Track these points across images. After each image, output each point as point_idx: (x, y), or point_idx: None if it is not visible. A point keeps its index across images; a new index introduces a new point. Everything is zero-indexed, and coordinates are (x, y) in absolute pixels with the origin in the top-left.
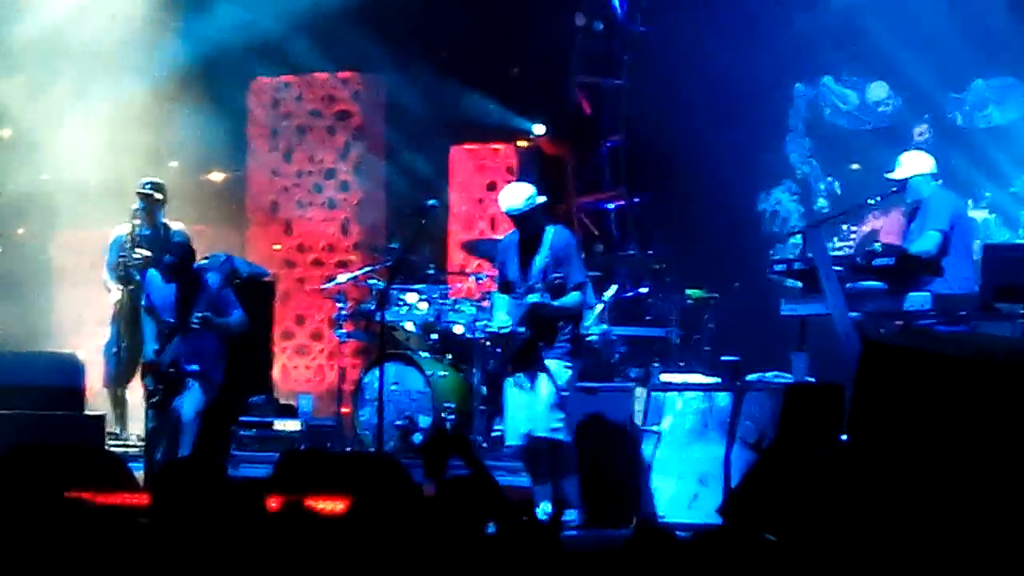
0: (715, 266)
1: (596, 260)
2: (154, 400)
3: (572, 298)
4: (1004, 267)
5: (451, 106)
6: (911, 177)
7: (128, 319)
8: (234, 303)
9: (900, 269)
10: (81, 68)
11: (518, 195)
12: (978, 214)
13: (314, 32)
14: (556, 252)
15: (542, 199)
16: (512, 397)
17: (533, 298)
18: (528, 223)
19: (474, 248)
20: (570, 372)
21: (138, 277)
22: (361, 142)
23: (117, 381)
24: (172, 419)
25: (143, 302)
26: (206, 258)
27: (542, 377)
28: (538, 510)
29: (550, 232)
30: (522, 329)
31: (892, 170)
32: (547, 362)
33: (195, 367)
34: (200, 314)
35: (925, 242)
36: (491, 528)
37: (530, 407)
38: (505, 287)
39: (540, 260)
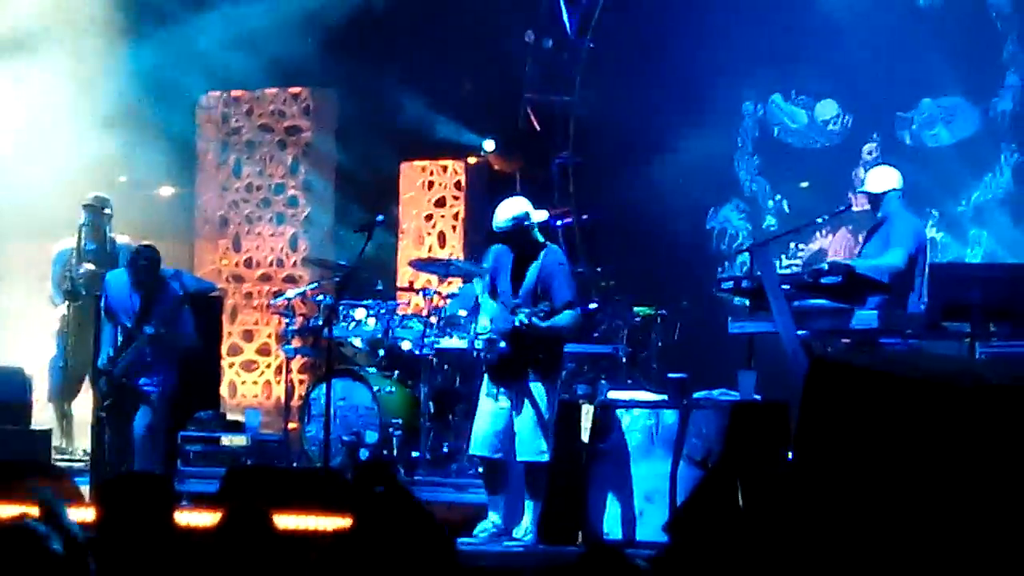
0: (663, 283)
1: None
2: (105, 404)
3: (562, 318)
4: (951, 286)
5: (401, 122)
6: (886, 192)
7: (74, 333)
8: (187, 320)
9: (847, 287)
10: (28, 79)
11: (505, 211)
12: (926, 233)
13: (264, 47)
14: (545, 272)
15: (539, 216)
16: (486, 409)
17: (520, 319)
18: (515, 240)
19: (423, 267)
20: (553, 394)
21: (84, 293)
22: (310, 157)
23: (62, 395)
24: (122, 433)
25: (102, 304)
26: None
27: (526, 399)
28: (484, 523)
29: (542, 253)
30: (503, 344)
31: (861, 186)
32: (532, 384)
33: (147, 383)
34: (151, 329)
35: (893, 257)
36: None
37: (509, 427)
38: (494, 293)
39: (529, 279)
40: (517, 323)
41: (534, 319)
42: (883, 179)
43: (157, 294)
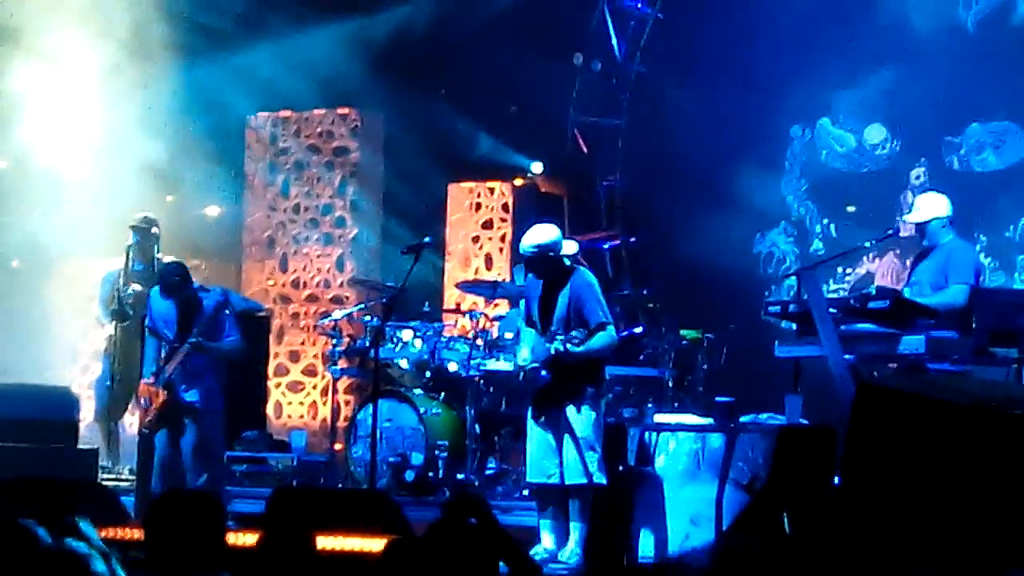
0: (710, 307)
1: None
2: (148, 421)
3: (596, 340)
4: (998, 312)
5: (449, 143)
6: (930, 221)
7: (121, 353)
8: (231, 328)
9: (895, 312)
10: (78, 103)
11: (532, 237)
12: None
13: (312, 68)
14: (574, 295)
15: (569, 248)
16: (535, 437)
17: (556, 346)
18: (539, 266)
19: (469, 289)
20: (595, 415)
21: (132, 313)
22: (358, 178)
23: (109, 415)
24: (167, 450)
25: (147, 322)
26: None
27: (567, 425)
28: (537, 547)
29: (571, 277)
30: (545, 373)
31: (908, 212)
32: (570, 408)
33: (193, 397)
34: (193, 338)
35: (956, 295)
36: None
37: (556, 453)
38: (531, 321)
39: (561, 305)
40: (552, 351)
41: (569, 346)
42: (932, 206)
43: (195, 305)
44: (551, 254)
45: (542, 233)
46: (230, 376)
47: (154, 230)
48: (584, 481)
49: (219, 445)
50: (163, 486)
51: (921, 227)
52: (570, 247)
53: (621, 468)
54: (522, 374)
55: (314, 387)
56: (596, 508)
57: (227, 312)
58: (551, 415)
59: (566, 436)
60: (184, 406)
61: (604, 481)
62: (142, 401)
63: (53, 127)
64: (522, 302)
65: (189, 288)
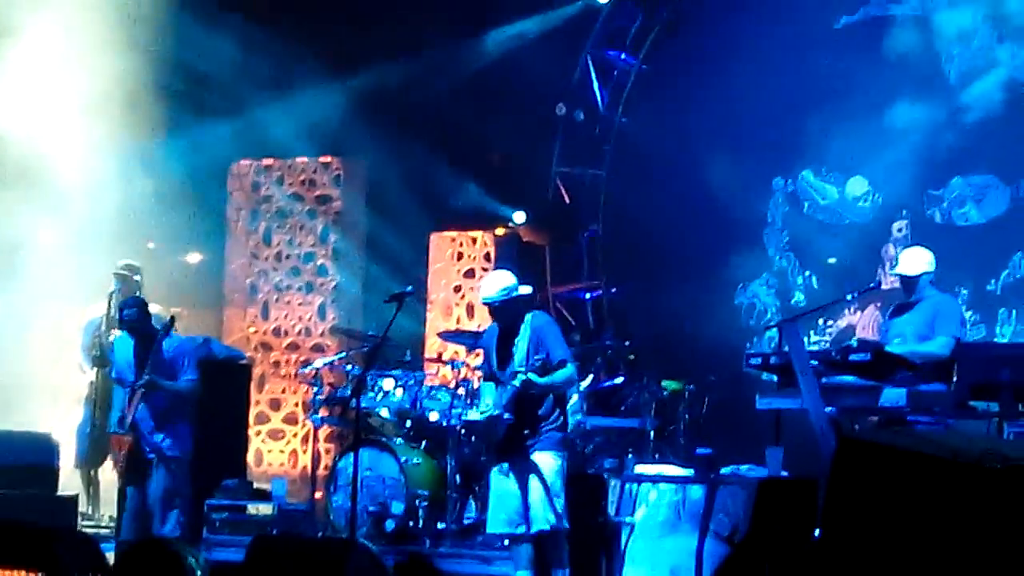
0: (691, 358)
1: (572, 350)
2: (120, 469)
3: (559, 374)
4: (980, 365)
5: (431, 192)
6: (920, 275)
7: (102, 400)
8: (188, 368)
9: (876, 364)
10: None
11: (493, 285)
12: None
13: (296, 116)
14: (535, 333)
15: (525, 290)
16: (499, 486)
17: (519, 379)
18: (504, 314)
19: (451, 338)
20: (561, 461)
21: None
22: (340, 226)
23: (89, 462)
24: (137, 497)
25: (112, 373)
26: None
27: (532, 471)
28: None
29: (528, 318)
30: (508, 416)
31: (893, 265)
32: (537, 455)
33: (160, 440)
34: (145, 376)
35: (942, 347)
36: None
37: (521, 502)
38: (490, 377)
39: (521, 346)
40: (517, 383)
41: (531, 375)
42: (918, 261)
43: (152, 344)
44: (514, 295)
45: (502, 279)
46: (210, 424)
47: (136, 277)
48: (549, 527)
49: (186, 491)
50: (133, 534)
51: (908, 281)
52: (525, 289)
53: (601, 519)
54: (479, 421)
55: (295, 435)
56: (578, 558)
57: (186, 355)
58: (516, 462)
59: (532, 483)
60: (151, 448)
61: (568, 526)
62: (112, 452)
63: (34, 169)
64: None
65: (147, 324)
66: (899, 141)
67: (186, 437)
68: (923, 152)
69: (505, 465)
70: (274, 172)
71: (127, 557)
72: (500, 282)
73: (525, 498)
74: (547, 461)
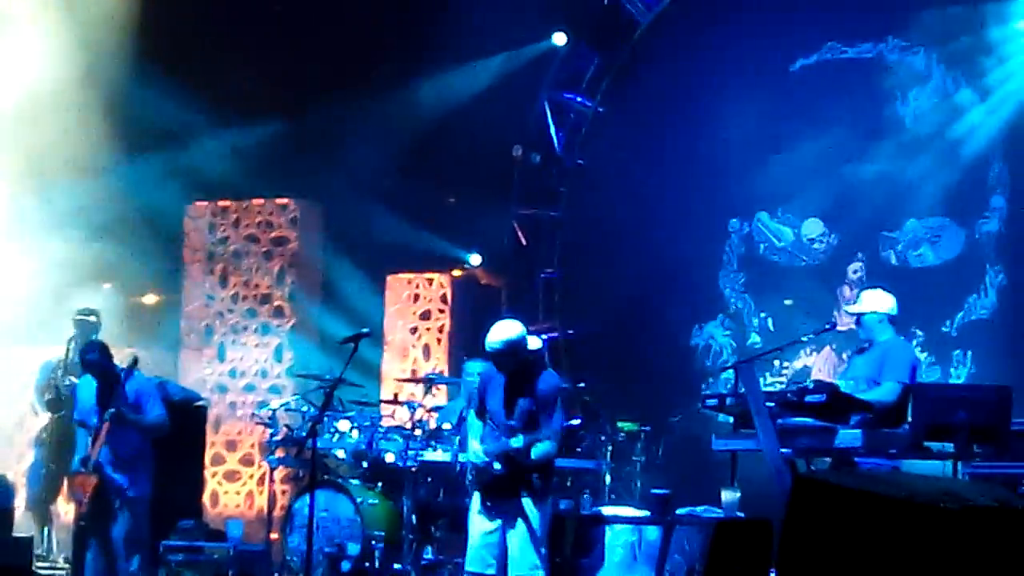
0: (647, 399)
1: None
2: (83, 512)
3: (544, 449)
4: (934, 406)
5: (388, 234)
6: (865, 314)
7: (55, 442)
8: (155, 405)
9: (832, 406)
10: (15, 189)
11: (499, 333)
12: None
13: (252, 158)
14: (542, 397)
15: (534, 343)
16: (482, 527)
17: (516, 443)
18: (505, 361)
19: (407, 380)
20: (548, 511)
21: (67, 403)
22: (296, 268)
23: (42, 502)
24: (100, 538)
25: (75, 416)
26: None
27: (519, 515)
28: None
29: (540, 376)
30: (497, 466)
31: (851, 303)
32: (527, 501)
33: (123, 480)
34: (111, 410)
35: (887, 393)
36: None
37: (499, 545)
38: (482, 413)
39: (526, 402)
40: (511, 450)
41: (529, 447)
42: (873, 301)
43: (114, 380)
44: (519, 349)
45: (509, 329)
46: (166, 465)
47: (93, 319)
48: (530, 574)
49: (146, 531)
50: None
51: (858, 319)
52: (534, 343)
53: (558, 560)
54: (467, 469)
55: (251, 476)
56: None
57: (150, 394)
58: (504, 506)
59: (517, 528)
60: (114, 489)
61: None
62: (75, 494)
63: None
64: (464, 393)
65: (109, 365)
66: (854, 183)
67: (147, 478)
68: (878, 194)
69: (493, 511)
70: (230, 214)
71: None
72: (505, 332)
73: (504, 541)
74: (537, 510)
